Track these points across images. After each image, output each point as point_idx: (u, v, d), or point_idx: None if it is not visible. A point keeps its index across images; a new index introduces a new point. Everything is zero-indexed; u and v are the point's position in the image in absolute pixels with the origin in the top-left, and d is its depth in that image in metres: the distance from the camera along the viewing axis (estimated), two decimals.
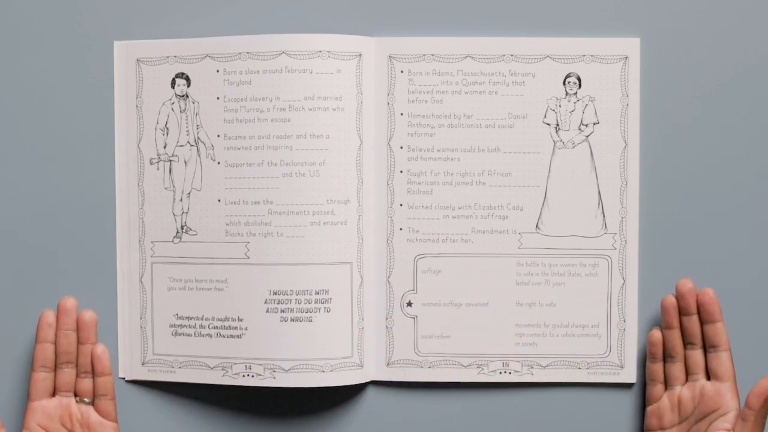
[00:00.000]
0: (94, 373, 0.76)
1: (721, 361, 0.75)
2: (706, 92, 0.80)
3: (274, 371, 0.78)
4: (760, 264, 0.80)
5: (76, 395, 0.77)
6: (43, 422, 0.75)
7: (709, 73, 0.80)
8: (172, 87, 0.80)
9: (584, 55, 0.79)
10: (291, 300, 0.78)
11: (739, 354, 0.79)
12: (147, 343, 0.81)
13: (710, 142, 0.80)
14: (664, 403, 0.76)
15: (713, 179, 0.80)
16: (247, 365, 0.79)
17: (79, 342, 0.76)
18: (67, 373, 0.76)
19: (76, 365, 0.76)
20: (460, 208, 0.80)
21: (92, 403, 0.77)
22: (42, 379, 0.75)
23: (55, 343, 0.75)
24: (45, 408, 0.75)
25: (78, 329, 0.76)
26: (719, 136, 0.80)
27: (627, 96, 0.79)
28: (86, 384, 0.77)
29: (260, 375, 0.79)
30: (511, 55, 0.79)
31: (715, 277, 0.80)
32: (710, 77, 0.80)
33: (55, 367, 0.76)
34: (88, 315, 0.77)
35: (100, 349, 0.76)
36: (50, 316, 0.76)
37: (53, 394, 0.76)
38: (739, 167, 0.80)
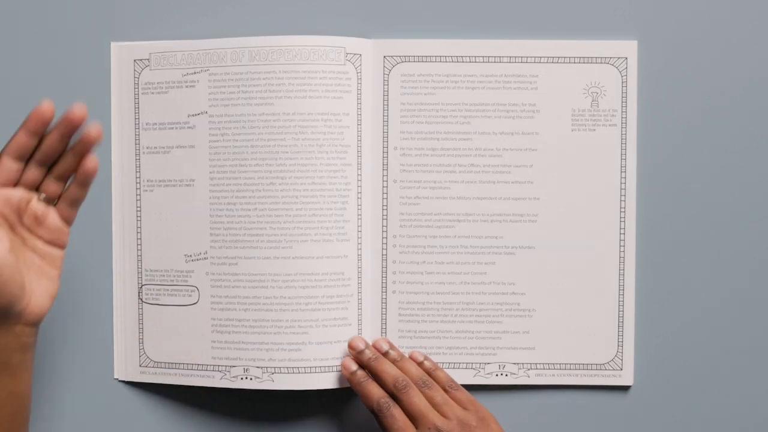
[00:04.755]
0: (71, 181, 0.69)
1: None
2: (703, 93, 0.80)
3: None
4: (760, 264, 0.80)
5: (39, 190, 0.68)
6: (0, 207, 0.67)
7: (707, 74, 0.80)
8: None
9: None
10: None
11: (739, 354, 0.79)
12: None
13: (709, 142, 0.80)
14: None
15: (712, 179, 0.80)
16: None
17: (71, 150, 0.67)
18: (38, 172, 0.67)
19: (51, 167, 0.68)
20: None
21: (55, 204, 0.69)
22: (12, 169, 0.66)
23: (42, 139, 0.66)
24: (6, 195, 0.66)
25: (80, 141, 0.66)
26: (717, 136, 0.80)
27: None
28: (55, 187, 0.68)
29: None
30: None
31: (714, 277, 0.80)
32: (708, 78, 0.80)
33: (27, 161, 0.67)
34: (96, 131, 0.66)
35: (92, 163, 0.67)
36: (50, 112, 0.65)
37: (16, 185, 0.67)
38: (738, 167, 0.80)
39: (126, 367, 0.81)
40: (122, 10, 0.80)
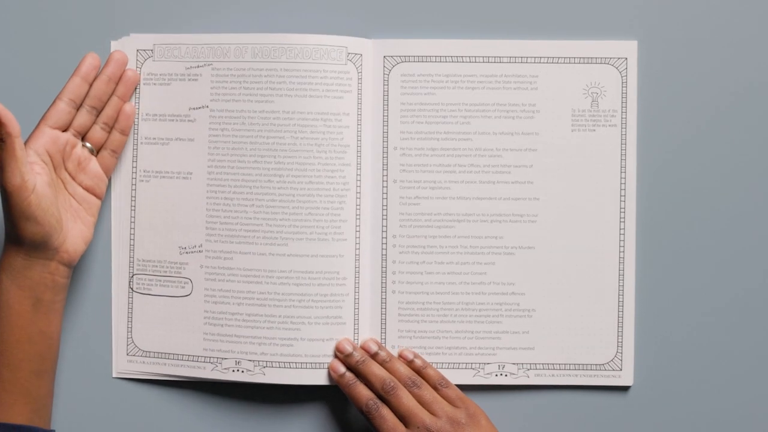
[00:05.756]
0: (112, 128, 0.78)
1: None
2: (703, 93, 0.80)
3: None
4: (760, 264, 0.80)
5: (83, 140, 0.77)
6: (48, 147, 0.74)
7: (707, 74, 0.80)
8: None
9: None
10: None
11: (739, 355, 0.78)
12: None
13: (709, 142, 0.80)
14: None
15: (712, 179, 0.80)
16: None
17: (113, 93, 0.77)
18: (87, 117, 0.76)
19: (98, 114, 0.77)
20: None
21: (96, 155, 0.78)
22: (65, 111, 0.75)
23: (90, 85, 0.76)
24: (55, 136, 0.74)
25: (119, 82, 0.77)
26: (717, 136, 0.80)
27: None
28: (100, 135, 0.77)
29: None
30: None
31: (714, 277, 0.80)
32: (708, 78, 0.80)
33: (77, 108, 0.76)
34: (133, 73, 0.78)
35: (130, 107, 0.78)
36: (96, 59, 0.76)
37: (66, 130, 0.76)
38: (738, 167, 0.80)
39: (114, 355, 0.81)
40: (121, 9, 0.80)
